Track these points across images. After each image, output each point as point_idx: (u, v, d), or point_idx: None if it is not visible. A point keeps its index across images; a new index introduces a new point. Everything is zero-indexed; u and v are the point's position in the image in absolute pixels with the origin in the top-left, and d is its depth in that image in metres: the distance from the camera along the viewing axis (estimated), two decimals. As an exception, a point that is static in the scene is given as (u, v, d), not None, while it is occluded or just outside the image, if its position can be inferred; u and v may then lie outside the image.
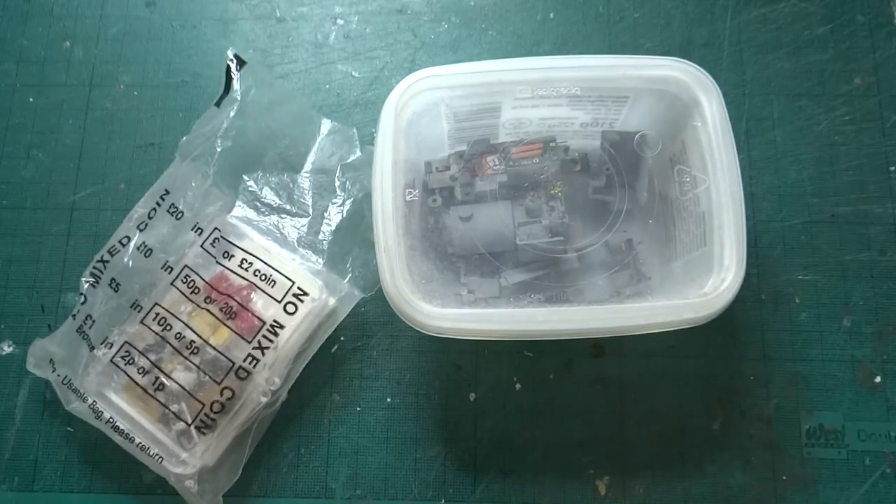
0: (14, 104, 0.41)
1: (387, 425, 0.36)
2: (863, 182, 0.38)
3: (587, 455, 0.35)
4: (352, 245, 0.37)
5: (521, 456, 0.35)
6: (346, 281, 0.36)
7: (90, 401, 0.34)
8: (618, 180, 0.35)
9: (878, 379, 0.36)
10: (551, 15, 0.42)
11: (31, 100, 0.41)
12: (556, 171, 0.35)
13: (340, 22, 0.42)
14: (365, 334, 0.37)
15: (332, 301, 0.35)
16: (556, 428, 0.36)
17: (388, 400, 0.36)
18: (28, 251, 0.39)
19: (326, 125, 0.39)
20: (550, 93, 0.32)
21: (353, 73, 0.41)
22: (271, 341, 0.34)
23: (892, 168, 0.38)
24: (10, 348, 0.38)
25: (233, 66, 0.37)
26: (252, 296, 0.34)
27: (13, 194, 0.40)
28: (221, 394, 0.33)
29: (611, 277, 0.34)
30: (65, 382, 0.34)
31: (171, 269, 0.35)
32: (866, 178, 0.38)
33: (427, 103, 0.32)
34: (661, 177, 0.34)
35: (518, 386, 0.36)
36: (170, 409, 0.33)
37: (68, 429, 0.36)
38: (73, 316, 0.35)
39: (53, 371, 0.35)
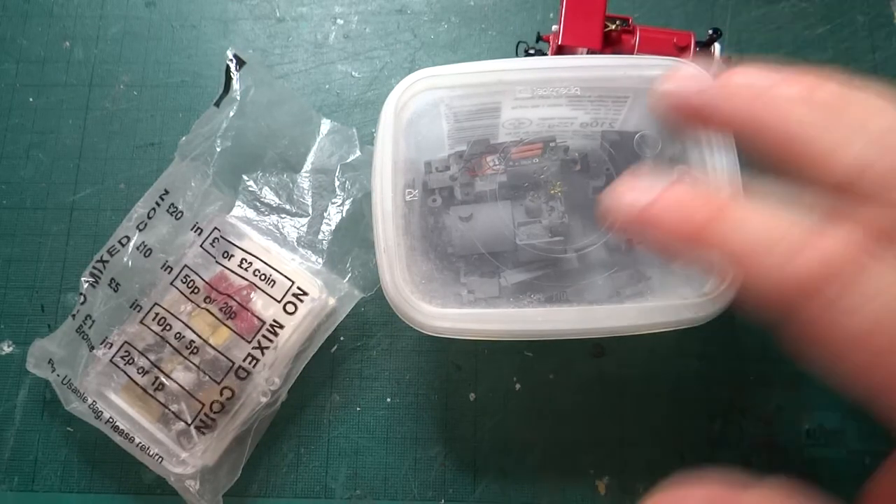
0: (14, 104, 0.41)
1: (386, 425, 0.36)
2: (863, 182, 0.38)
3: (587, 455, 0.35)
4: (352, 245, 0.37)
5: (520, 456, 0.35)
6: (345, 281, 0.36)
7: (90, 401, 0.34)
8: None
9: (877, 379, 0.36)
10: (551, 15, 0.42)
11: (30, 100, 0.41)
12: (555, 172, 0.35)
13: (340, 22, 0.42)
14: (365, 334, 0.37)
15: (331, 301, 0.35)
16: (556, 428, 0.36)
17: (388, 400, 0.36)
18: (28, 251, 0.39)
19: (326, 125, 0.39)
20: (550, 93, 0.32)
21: (353, 73, 0.41)
22: (271, 341, 0.34)
23: (892, 168, 0.38)
24: (10, 348, 0.38)
25: (232, 66, 0.37)
26: (252, 296, 0.34)
27: (13, 194, 0.40)
28: (221, 394, 0.33)
29: (611, 277, 0.34)
30: (64, 382, 0.34)
31: (171, 268, 0.35)
32: (866, 178, 0.38)
33: (427, 103, 0.32)
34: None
35: (518, 386, 0.36)
36: (169, 409, 0.33)
37: (68, 429, 0.36)
38: (73, 316, 0.35)
39: (53, 371, 0.35)
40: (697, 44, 0.37)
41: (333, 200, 0.37)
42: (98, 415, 0.34)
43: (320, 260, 0.36)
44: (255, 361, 0.34)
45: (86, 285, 0.35)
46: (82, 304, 0.35)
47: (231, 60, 0.37)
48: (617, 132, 0.35)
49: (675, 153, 0.33)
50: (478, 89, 0.32)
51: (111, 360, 0.34)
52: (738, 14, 0.41)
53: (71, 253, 0.39)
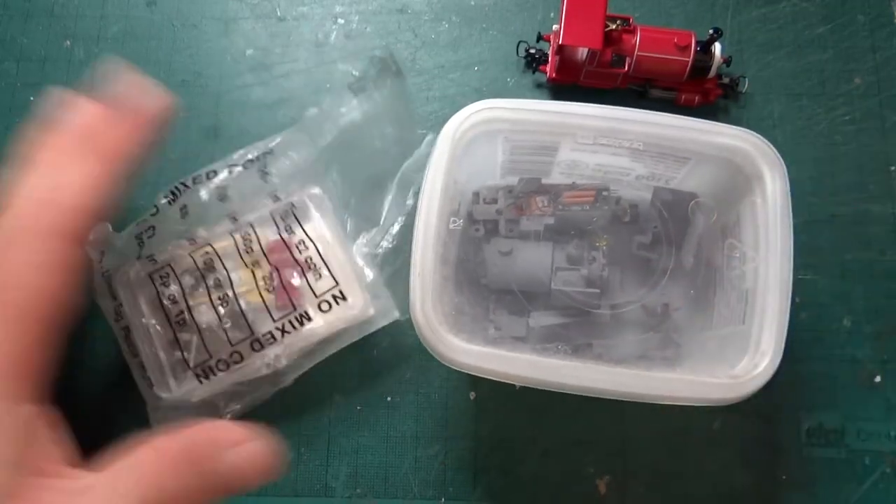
0: (14, 103, 0.41)
1: (387, 424, 0.36)
2: (863, 182, 0.38)
3: (587, 454, 0.35)
4: (404, 265, 0.36)
5: (521, 455, 0.35)
6: (387, 297, 0.35)
7: (117, 301, 0.34)
8: (665, 240, 0.34)
9: (877, 378, 0.36)
10: (552, 14, 0.42)
11: (31, 99, 0.41)
12: (604, 224, 0.35)
13: (341, 21, 0.42)
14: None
15: (371, 311, 0.35)
16: (556, 427, 0.36)
17: (388, 399, 0.36)
18: (28, 250, 0.39)
19: (428, 139, 0.38)
20: (612, 142, 0.32)
21: (354, 72, 0.41)
22: (295, 328, 0.34)
23: (893, 168, 0.38)
24: (11, 347, 0.38)
25: (378, 59, 0.37)
26: (296, 278, 0.35)
27: (14, 193, 0.40)
28: (231, 356, 0.34)
29: (641, 339, 0.33)
30: (105, 275, 0.35)
31: (237, 220, 0.36)
32: (866, 177, 0.38)
33: (485, 132, 0.31)
34: (709, 243, 0.34)
35: (518, 385, 0.36)
36: (179, 339, 0.34)
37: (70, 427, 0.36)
38: (140, 223, 0.35)
39: (101, 261, 0.35)
40: (698, 43, 0.37)
41: (404, 217, 0.37)
42: (118, 318, 0.34)
43: (371, 271, 0.36)
44: (272, 340, 0.34)
45: (163, 200, 0.35)
46: (153, 214, 0.35)
47: (379, 54, 0.37)
48: (671, 191, 0.35)
49: (728, 223, 0.33)
50: (540, 127, 0.32)
51: (149, 275, 0.35)
52: (738, 13, 0.41)
53: (72, 252, 0.39)
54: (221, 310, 0.34)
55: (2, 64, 0.42)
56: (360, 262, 0.36)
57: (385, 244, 0.36)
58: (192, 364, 0.34)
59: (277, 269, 0.35)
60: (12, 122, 0.41)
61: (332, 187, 0.37)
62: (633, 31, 0.37)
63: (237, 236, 0.35)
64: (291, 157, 0.36)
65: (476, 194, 0.35)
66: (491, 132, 0.32)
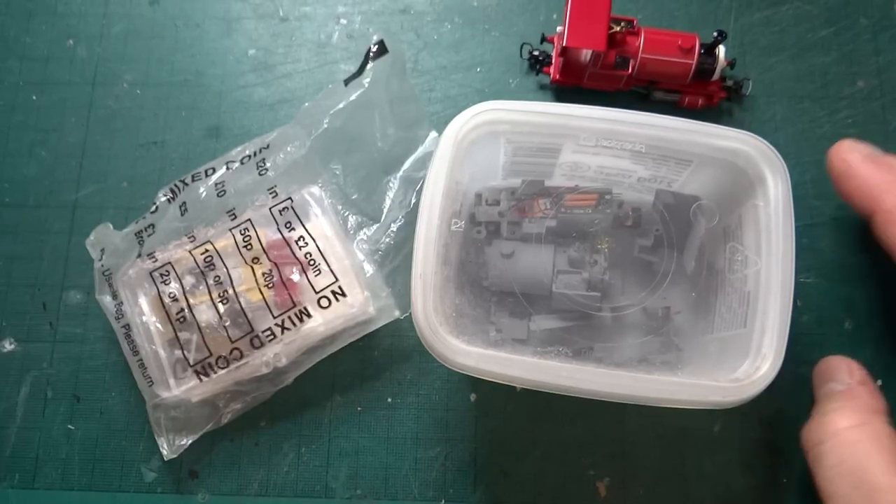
0: (17, 102, 0.41)
1: (387, 425, 0.36)
2: (865, 185, 0.38)
3: (587, 456, 0.35)
4: (403, 263, 0.36)
5: (521, 457, 0.35)
6: (387, 295, 0.36)
7: (118, 300, 0.35)
8: (666, 243, 0.34)
9: (879, 383, 0.36)
10: (554, 16, 0.42)
11: (34, 97, 0.41)
12: (606, 226, 0.35)
13: (343, 22, 0.42)
14: (366, 334, 0.37)
15: (371, 310, 0.35)
16: (556, 429, 0.36)
17: (389, 400, 0.36)
18: (30, 249, 0.39)
19: (432, 137, 0.38)
20: (614, 144, 0.32)
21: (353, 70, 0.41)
22: (295, 325, 0.34)
23: (895, 171, 0.38)
24: (12, 346, 0.38)
25: (372, 52, 0.37)
26: (295, 275, 0.35)
27: (15, 192, 0.40)
28: (231, 353, 0.34)
29: (642, 343, 0.33)
30: (105, 273, 0.35)
31: (235, 216, 0.36)
32: (869, 181, 0.38)
33: (487, 133, 0.31)
34: (710, 245, 0.34)
35: (519, 387, 0.36)
36: (179, 337, 0.34)
37: (69, 427, 0.36)
38: (140, 220, 0.36)
39: (101, 259, 0.36)
40: (702, 46, 0.37)
41: (405, 214, 0.37)
42: (118, 316, 0.35)
43: (371, 268, 0.36)
44: (272, 337, 0.34)
45: (163, 198, 0.36)
46: (152, 212, 0.36)
47: (374, 45, 0.37)
48: (672, 193, 0.34)
49: (730, 226, 0.33)
50: (542, 128, 0.32)
51: (150, 273, 0.35)
52: (741, 16, 0.41)
53: (73, 251, 0.39)
54: (221, 307, 0.34)
55: (4, 62, 0.42)
56: (361, 256, 0.36)
57: (386, 241, 0.36)
58: (191, 362, 0.34)
59: (277, 266, 0.35)
60: (15, 119, 0.41)
61: (334, 184, 0.37)
62: (636, 34, 0.37)
63: (236, 234, 0.36)
64: (288, 152, 0.36)
65: (479, 195, 0.35)
66: (493, 133, 0.32)
